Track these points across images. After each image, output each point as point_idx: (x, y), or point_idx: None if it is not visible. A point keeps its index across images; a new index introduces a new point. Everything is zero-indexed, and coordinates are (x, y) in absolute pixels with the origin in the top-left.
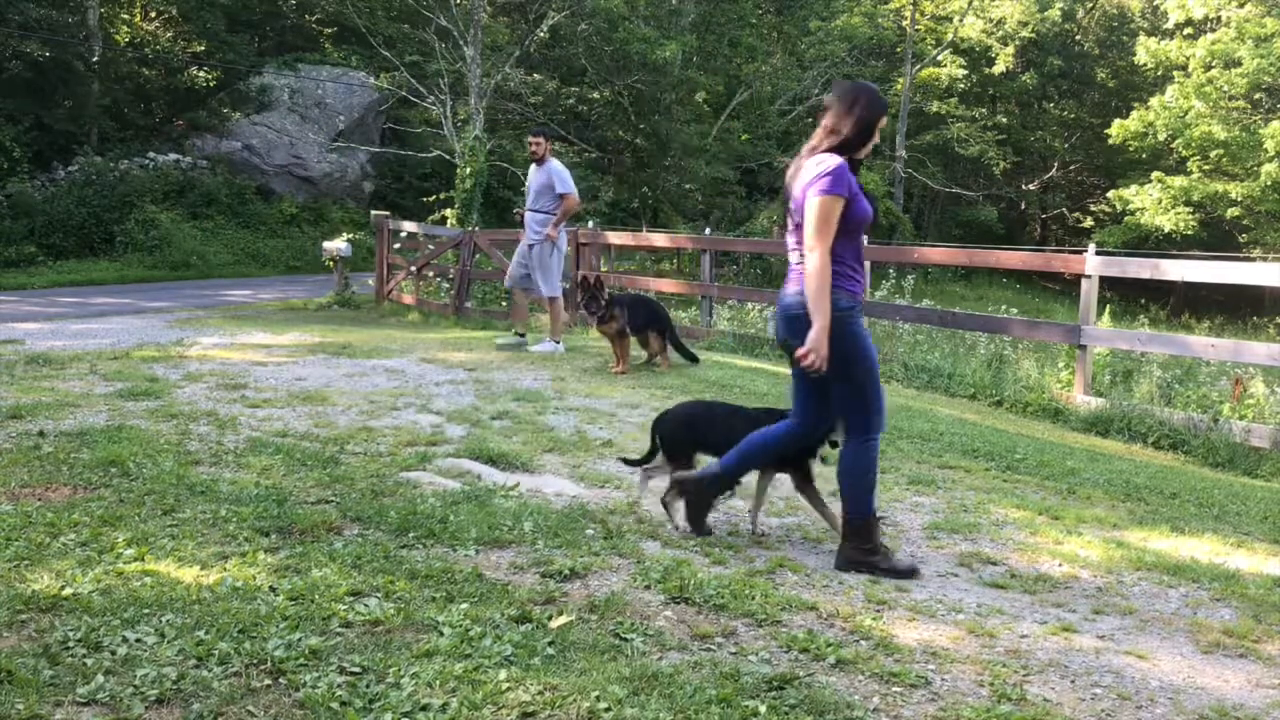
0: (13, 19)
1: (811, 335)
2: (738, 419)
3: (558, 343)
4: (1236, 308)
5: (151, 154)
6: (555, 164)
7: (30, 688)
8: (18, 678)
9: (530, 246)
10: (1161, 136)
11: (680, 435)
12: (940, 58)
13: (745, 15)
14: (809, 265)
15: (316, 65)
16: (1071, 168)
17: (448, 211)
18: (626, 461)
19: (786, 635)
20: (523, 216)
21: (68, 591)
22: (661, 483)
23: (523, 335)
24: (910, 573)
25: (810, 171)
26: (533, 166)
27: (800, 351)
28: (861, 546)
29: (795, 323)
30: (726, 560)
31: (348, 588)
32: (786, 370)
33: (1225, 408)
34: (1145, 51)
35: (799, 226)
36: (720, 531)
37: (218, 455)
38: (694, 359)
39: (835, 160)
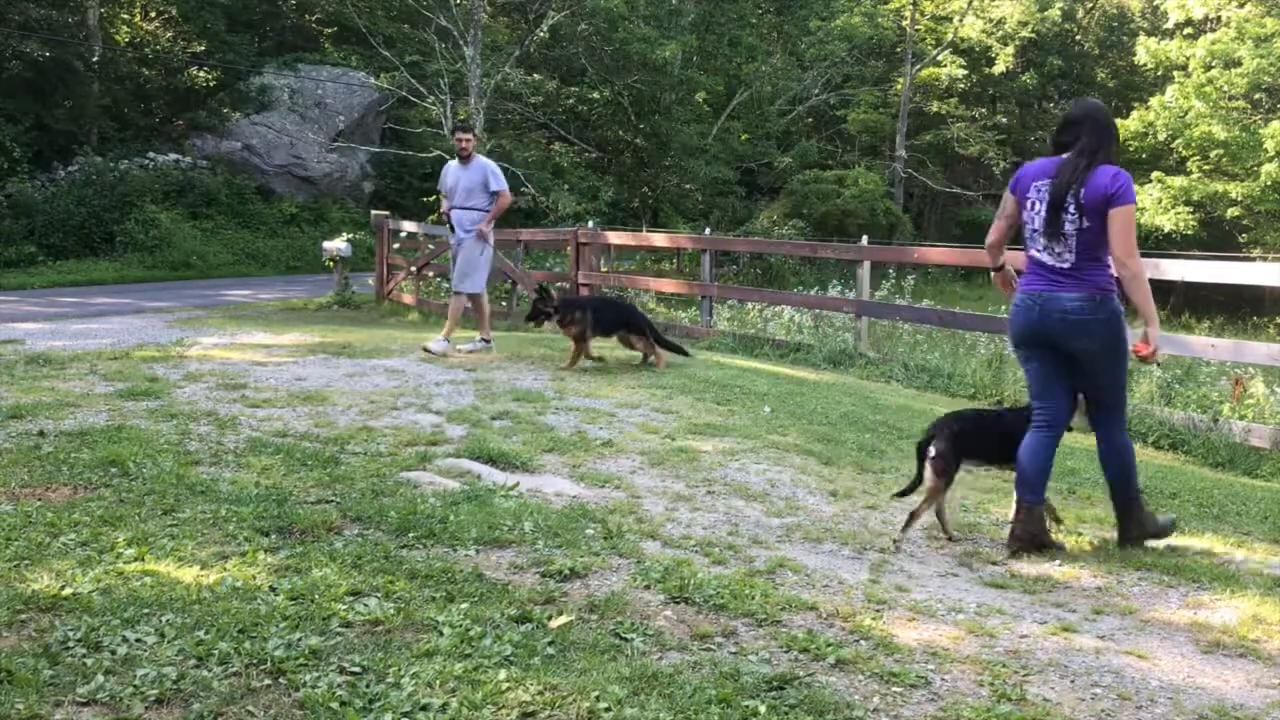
0: (13, 19)
1: (1154, 335)
2: (1006, 423)
3: (488, 341)
4: (1236, 308)
5: (151, 154)
6: (486, 161)
7: (30, 688)
8: (18, 678)
9: (460, 244)
10: (1161, 136)
11: (955, 449)
12: (940, 58)
13: (745, 15)
14: (1136, 271)
15: (316, 65)
16: None
17: None
18: (899, 495)
19: (786, 635)
20: (449, 216)
21: (68, 591)
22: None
23: (488, 340)
24: (1169, 527)
25: (1106, 182)
26: (454, 164)
27: (1147, 350)
28: (1143, 522)
29: (1072, 322)
30: (726, 560)
31: (348, 588)
32: (786, 370)
33: (1225, 408)
34: (1145, 51)
35: (1056, 229)
36: (720, 531)
37: (218, 455)
38: (683, 352)
39: (1125, 173)
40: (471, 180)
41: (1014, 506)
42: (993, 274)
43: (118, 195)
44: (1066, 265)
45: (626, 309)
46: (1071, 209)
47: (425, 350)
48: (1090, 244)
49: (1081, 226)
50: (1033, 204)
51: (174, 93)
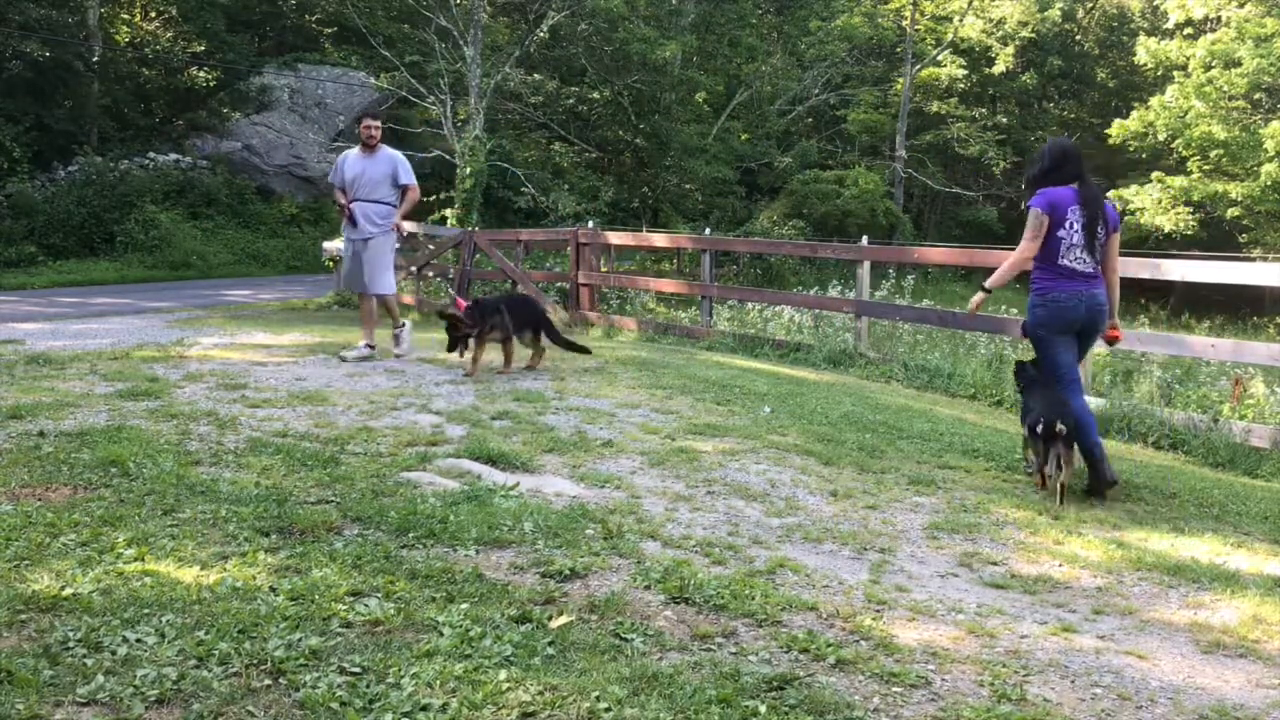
0: (13, 19)
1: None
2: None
3: (372, 347)
4: (1236, 308)
5: (151, 154)
6: (394, 152)
7: (30, 688)
8: (18, 678)
9: (367, 240)
10: (1161, 136)
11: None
12: (940, 58)
13: (745, 15)
14: (1119, 273)
15: (316, 65)
16: None
17: (448, 211)
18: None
19: (786, 635)
20: (348, 209)
21: (68, 591)
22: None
23: (373, 347)
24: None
25: (1113, 210)
26: (355, 153)
27: (1120, 332)
28: (1106, 471)
29: (1104, 312)
30: (726, 560)
31: (348, 588)
32: (786, 370)
33: (1225, 408)
34: (1145, 51)
35: (1092, 244)
36: (720, 531)
37: (218, 455)
38: (584, 350)
39: None
40: (378, 171)
41: (1086, 456)
42: (983, 293)
43: (118, 195)
44: (1090, 270)
45: (527, 305)
46: (1100, 229)
47: (341, 359)
48: (1100, 254)
49: (1103, 241)
50: (1071, 224)
51: (174, 93)
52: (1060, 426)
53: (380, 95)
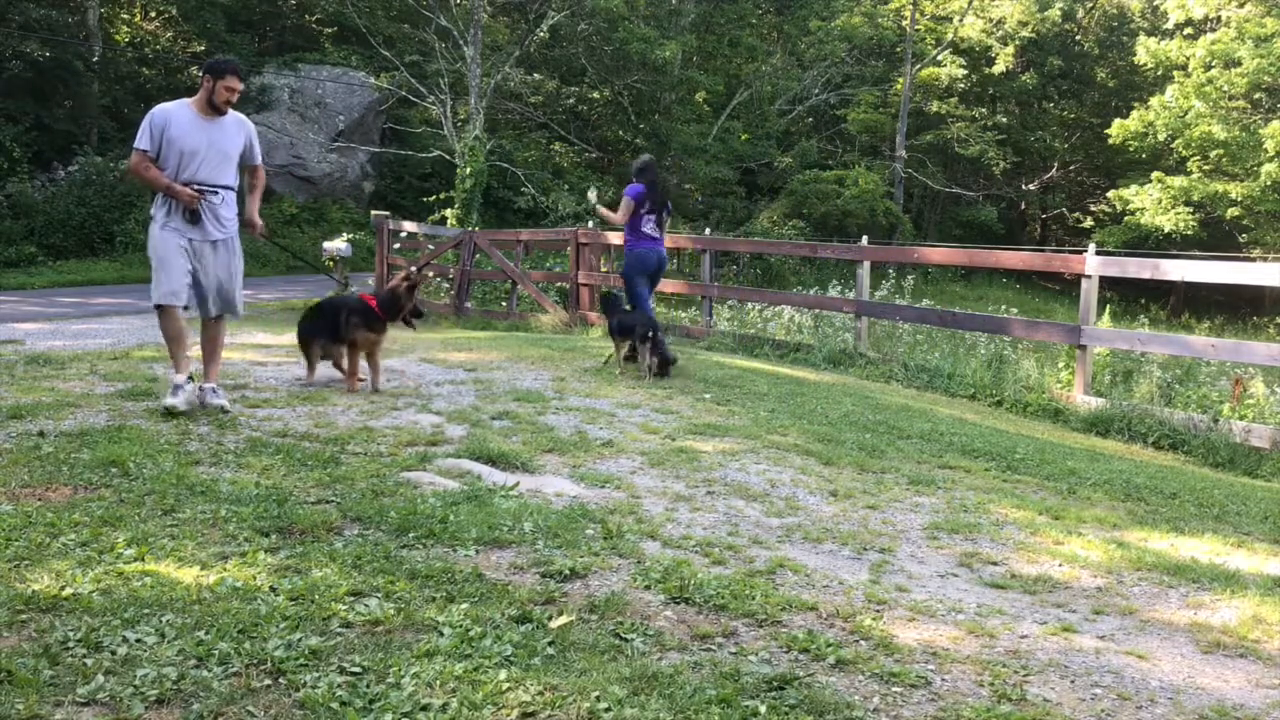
0: (13, 19)
1: None
2: (634, 316)
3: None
4: (1236, 308)
5: None
6: (243, 118)
7: (30, 688)
8: (18, 678)
9: (217, 243)
10: (1161, 136)
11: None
12: (940, 58)
13: (745, 15)
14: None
15: (316, 65)
16: (1071, 168)
17: (448, 211)
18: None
19: (786, 635)
20: (188, 196)
21: (68, 591)
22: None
23: (192, 378)
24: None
25: (669, 201)
26: (189, 114)
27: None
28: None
29: (665, 262)
30: (726, 560)
31: (348, 588)
32: (786, 370)
33: (1225, 408)
34: (1145, 51)
35: (660, 220)
36: (720, 531)
37: (218, 455)
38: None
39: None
40: (230, 143)
41: (657, 348)
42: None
43: (118, 195)
44: (659, 236)
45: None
46: (664, 212)
47: (168, 409)
48: (664, 227)
49: (665, 220)
50: (650, 207)
51: (174, 93)
52: (653, 333)
53: (381, 96)
